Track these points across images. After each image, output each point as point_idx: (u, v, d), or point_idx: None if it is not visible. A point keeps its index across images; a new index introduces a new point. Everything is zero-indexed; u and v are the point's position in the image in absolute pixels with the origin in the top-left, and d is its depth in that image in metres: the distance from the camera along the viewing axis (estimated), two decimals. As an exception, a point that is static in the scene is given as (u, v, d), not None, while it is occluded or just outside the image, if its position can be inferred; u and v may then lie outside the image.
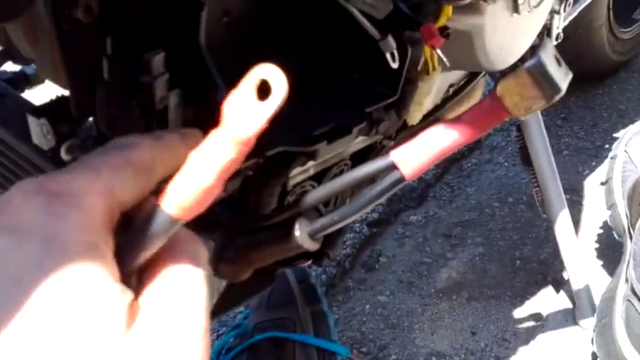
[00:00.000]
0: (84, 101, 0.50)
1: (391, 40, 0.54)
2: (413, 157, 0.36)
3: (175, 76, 0.42)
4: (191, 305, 0.28)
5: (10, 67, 0.72)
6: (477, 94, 1.03)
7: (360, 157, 0.71)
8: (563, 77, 0.35)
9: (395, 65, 0.56)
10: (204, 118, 0.44)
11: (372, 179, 0.51)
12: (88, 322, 0.25)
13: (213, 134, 0.28)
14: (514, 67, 0.40)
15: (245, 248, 0.43)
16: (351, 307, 1.22)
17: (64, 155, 0.52)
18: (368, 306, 1.21)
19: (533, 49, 0.82)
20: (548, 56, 0.35)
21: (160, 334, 0.27)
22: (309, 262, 0.71)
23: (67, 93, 0.58)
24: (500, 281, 1.25)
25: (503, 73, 0.37)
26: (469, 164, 1.54)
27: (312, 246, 0.39)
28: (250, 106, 0.27)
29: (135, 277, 0.30)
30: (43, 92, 0.71)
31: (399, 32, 0.57)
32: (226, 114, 0.28)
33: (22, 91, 0.75)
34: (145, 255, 0.29)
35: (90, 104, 0.50)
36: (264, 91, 0.27)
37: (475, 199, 1.44)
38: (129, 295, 0.27)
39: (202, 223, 0.48)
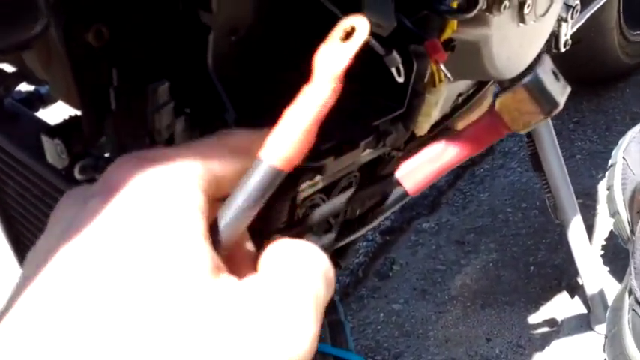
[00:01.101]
0: (96, 123, 0.51)
1: (396, 55, 0.55)
2: (416, 173, 0.37)
3: (183, 100, 0.43)
4: (312, 276, 0.27)
5: (25, 86, 0.74)
6: (486, 101, 1.03)
7: (369, 169, 0.72)
8: (560, 91, 0.36)
9: (401, 80, 0.56)
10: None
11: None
12: (168, 263, 0.25)
13: (306, 87, 0.30)
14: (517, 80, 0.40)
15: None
16: (365, 315, 1.22)
17: (77, 175, 0.53)
18: (382, 314, 1.22)
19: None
20: (545, 71, 0.36)
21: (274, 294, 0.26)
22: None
23: (80, 113, 0.60)
24: (514, 287, 1.25)
25: (502, 89, 0.37)
26: (481, 170, 1.54)
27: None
28: (337, 48, 0.30)
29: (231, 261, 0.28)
30: (58, 111, 0.73)
31: (404, 46, 0.58)
32: (317, 63, 0.30)
33: (37, 110, 0.76)
34: (248, 215, 0.28)
35: (102, 126, 0.51)
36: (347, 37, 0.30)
37: (488, 205, 1.44)
38: (216, 258, 0.26)
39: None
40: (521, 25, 0.76)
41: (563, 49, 1.00)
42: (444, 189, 1.50)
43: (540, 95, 0.35)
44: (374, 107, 0.62)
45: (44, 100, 0.77)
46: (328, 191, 0.67)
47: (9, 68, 0.70)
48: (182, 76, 0.44)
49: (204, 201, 0.27)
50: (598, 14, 1.31)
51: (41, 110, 0.76)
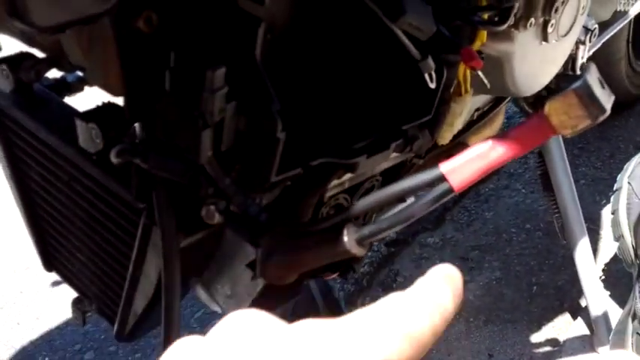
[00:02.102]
0: (138, 108, 0.52)
1: (431, 61, 0.56)
2: (462, 169, 0.38)
3: (233, 88, 0.44)
4: None
5: (51, 74, 0.74)
6: (499, 119, 1.05)
7: (390, 174, 0.73)
8: (607, 98, 0.37)
9: (433, 85, 0.58)
10: (257, 126, 0.47)
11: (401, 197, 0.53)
12: None
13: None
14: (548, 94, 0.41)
15: (294, 252, 0.44)
16: (368, 325, 1.22)
17: (113, 159, 0.54)
18: (385, 325, 1.22)
19: (574, 75, 0.84)
20: (593, 78, 0.37)
21: None
22: (336, 274, 0.73)
23: (113, 100, 0.61)
24: (517, 306, 1.25)
25: (550, 93, 0.38)
26: (487, 189, 1.56)
27: (359, 251, 0.41)
28: None
29: None
30: (82, 99, 0.74)
31: (436, 54, 0.59)
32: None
33: (63, 97, 0.77)
34: None
35: (143, 111, 0.52)
36: None
37: (492, 224, 1.45)
38: None
39: (249, 229, 0.50)
40: (543, 43, 0.78)
41: (579, 72, 1.02)
42: (449, 205, 1.51)
43: (589, 101, 0.36)
44: (402, 112, 0.64)
45: (70, 88, 0.78)
46: (352, 192, 0.69)
47: (40, 54, 0.71)
48: (231, 65, 0.45)
49: None
50: (607, 44, 1.33)
51: (66, 98, 0.77)
